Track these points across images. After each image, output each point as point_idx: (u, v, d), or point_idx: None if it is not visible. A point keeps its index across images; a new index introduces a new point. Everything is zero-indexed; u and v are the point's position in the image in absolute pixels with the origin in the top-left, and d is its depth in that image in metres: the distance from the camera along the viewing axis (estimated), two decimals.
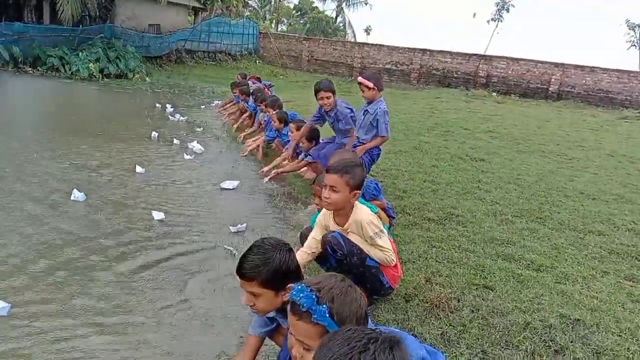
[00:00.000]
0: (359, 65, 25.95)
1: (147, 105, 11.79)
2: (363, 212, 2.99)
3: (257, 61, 27.70)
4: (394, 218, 4.45)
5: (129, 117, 10.28)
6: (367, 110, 5.14)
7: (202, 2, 28.42)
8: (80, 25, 18.55)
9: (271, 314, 2.20)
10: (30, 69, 16.36)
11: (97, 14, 20.44)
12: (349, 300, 1.55)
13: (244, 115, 9.95)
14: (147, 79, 17.81)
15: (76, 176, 5.64)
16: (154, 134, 8.24)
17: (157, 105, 11.73)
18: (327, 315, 1.50)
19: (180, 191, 5.48)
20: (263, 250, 2.02)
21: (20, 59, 16.32)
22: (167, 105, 11.50)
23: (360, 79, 5.07)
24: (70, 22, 17.88)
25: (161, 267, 3.61)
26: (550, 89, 21.69)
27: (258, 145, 7.71)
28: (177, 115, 10.45)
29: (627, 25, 37.76)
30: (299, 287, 1.59)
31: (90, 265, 3.54)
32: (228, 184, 5.65)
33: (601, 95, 20.90)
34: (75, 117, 10.00)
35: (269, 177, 6.02)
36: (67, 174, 5.69)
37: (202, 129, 9.53)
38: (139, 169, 5.93)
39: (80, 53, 16.94)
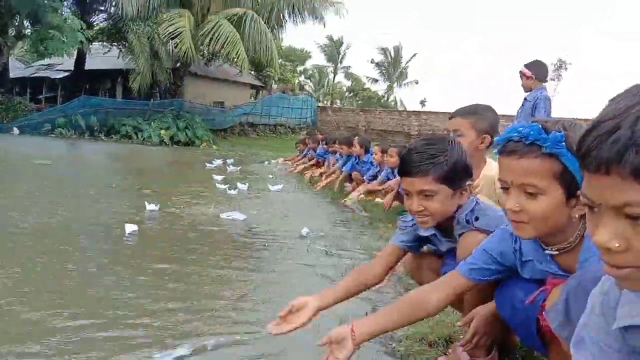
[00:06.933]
0: (417, 132, 25.94)
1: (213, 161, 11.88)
2: (496, 168, 2.64)
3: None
4: None
5: (198, 169, 10.37)
6: (525, 98, 4.81)
7: (262, 81, 29.89)
8: (152, 100, 19.69)
9: (428, 232, 1.82)
10: (104, 137, 17.29)
11: (167, 89, 21.72)
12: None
13: (310, 162, 9.96)
14: (213, 146, 18.39)
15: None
16: (217, 177, 7.94)
17: (218, 161, 11.55)
18: (562, 142, 1.18)
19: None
20: (436, 141, 1.73)
21: (96, 128, 17.33)
22: (228, 160, 11.63)
23: (521, 68, 4.76)
24: (139, 93, 19.05)
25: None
26: None
27: (331, 180, 7.56)
28: (236, 168, 10.42)
29: None
30: (508, 128, 1.30)
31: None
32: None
33: None
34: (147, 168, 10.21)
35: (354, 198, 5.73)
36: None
37: (272, 176, 9.52)
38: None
39: (152, 122, 17.84)
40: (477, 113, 2.55)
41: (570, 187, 1.20)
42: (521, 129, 1.24)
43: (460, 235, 1.66)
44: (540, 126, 1.22)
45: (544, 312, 1.21)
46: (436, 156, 1.65)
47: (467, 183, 1.67)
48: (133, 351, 1.85)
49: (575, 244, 1.27)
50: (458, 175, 1.66)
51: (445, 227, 1.74)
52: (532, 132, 1.21)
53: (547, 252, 1.32)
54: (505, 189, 1.27)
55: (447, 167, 1.64)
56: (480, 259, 1.46)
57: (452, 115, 2.67)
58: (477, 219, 1.63)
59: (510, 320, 1.44)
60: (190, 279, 2.83)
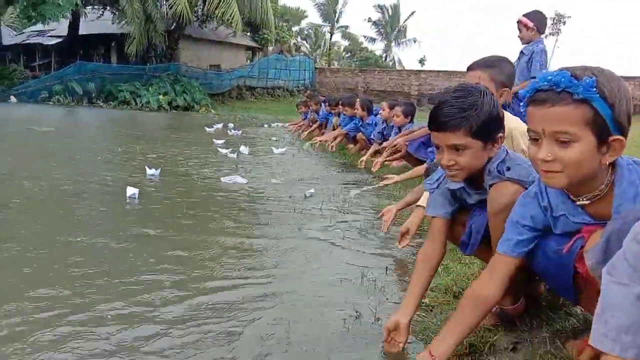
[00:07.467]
0: (416, 92, 25.72)
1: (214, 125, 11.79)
2: (515, 121, 2.62)
3: None
4: None
5: (198, 133, 10.32)
6: (522, 51, 4.50)
7: (259, 42, 29.39)
8: (148, 64, 19.44)
9: (457, 185, 1.77)
10: (102, 103, 17.15)
11: (163, 53, 21.40)
12: (616, 78, 1.22)
13: (314, 126, 9.88)
14: (212, 111, 18.27)
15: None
16: (218, 141, 7.94)
17: (218, 125, 11.38)
18: (594, 87, 1.17)
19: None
20: (467, 92, 1.63)
21: (93, 94, 17.17)
22: (229, 124, 11.54)
23: (520, 17, 4.46)
24: (135, 57, 18.78)
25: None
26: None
27: (334, 137, 7.55)
28: (237, 131, 10.38)
29: None
30: (539, 77, 1.28)
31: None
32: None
33: None
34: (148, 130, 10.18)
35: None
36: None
37: (276, 138, 9.51)
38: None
39: (149, 87, 17.69)
40: (496, 65, 2.50)
41: (602, 133, 1.20)
42: (550, 77, 1.23)
43: (491, 186, 1.63)
44: (570, 73, 1.21)
45: (584, 255, 1.22)
46: (467, 109, 1.58)
47: (499, 135, 1.62)
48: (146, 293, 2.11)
49: (606, 191, 1.28)
50: (490, 128, 1.60)
51: (474, 178, 1.69)
52: (562, 80, 1.21)
53: (578, 203, 1.32)
54: (535, 140, 1.26)
55: (479, 121, 1.58)
56: (514, 232, 1.45)
57: (470, 67, 2.61)
58: (508, 169, 1.61)
59: (543, 270, 1.46)
60: (190, 240, 2.90)
